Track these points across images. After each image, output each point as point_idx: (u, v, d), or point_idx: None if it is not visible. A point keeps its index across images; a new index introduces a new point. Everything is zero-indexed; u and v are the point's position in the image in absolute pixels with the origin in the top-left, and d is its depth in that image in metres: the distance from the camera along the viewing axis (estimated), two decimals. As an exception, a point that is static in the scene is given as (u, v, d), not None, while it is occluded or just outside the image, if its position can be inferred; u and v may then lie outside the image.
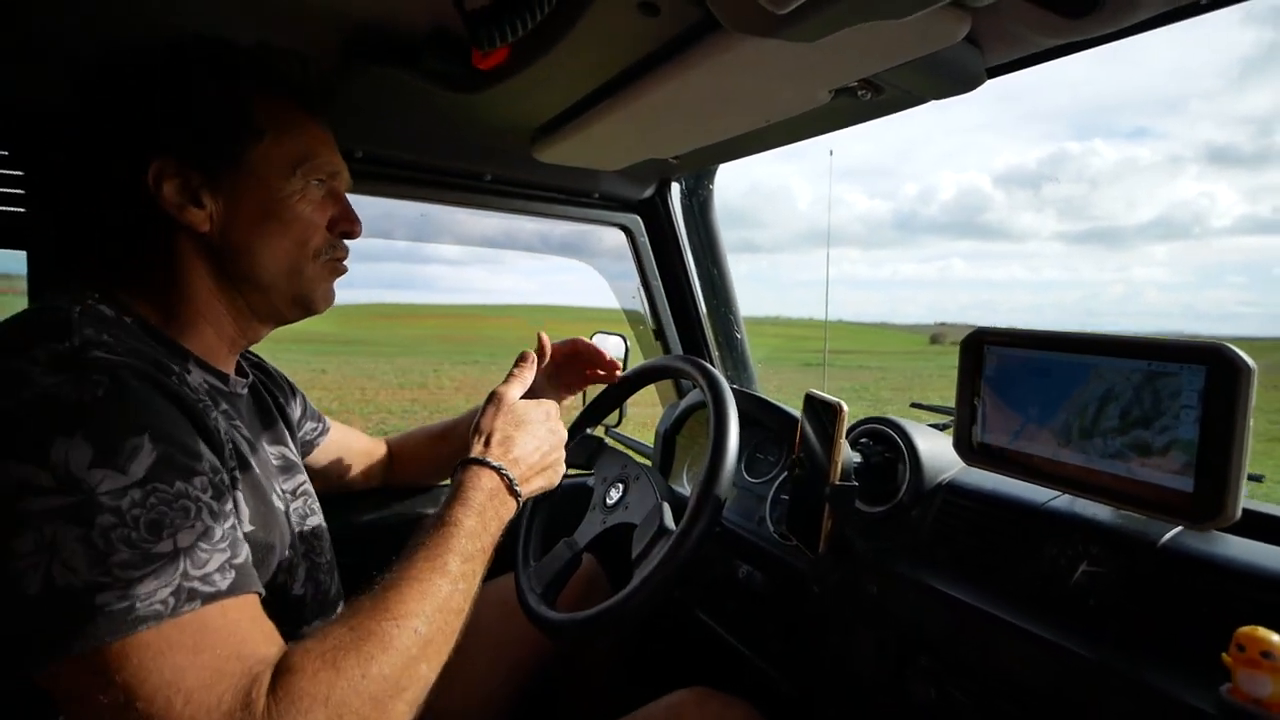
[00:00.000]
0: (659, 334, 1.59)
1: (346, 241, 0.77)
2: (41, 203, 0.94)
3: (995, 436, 0.82)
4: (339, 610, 0.78)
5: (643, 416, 1.49)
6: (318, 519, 0.81)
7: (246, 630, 0.52)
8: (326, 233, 0.74)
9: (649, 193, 1.45)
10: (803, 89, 0.79)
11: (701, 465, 0.90)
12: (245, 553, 0.56)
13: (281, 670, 0.50)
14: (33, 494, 0.47)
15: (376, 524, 1.21)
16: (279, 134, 0.69)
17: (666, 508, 0.94)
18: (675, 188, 1.48)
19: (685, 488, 1.41)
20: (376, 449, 1.17)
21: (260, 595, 0.56)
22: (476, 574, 0.65)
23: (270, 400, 0.86)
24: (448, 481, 0.78)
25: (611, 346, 1.46)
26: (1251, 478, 0.65)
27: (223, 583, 0.51)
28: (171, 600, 0.48)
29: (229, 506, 0.57)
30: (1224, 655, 0.55)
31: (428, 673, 0.57)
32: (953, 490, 0.90)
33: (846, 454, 0.86)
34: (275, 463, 0.78)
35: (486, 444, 0.77)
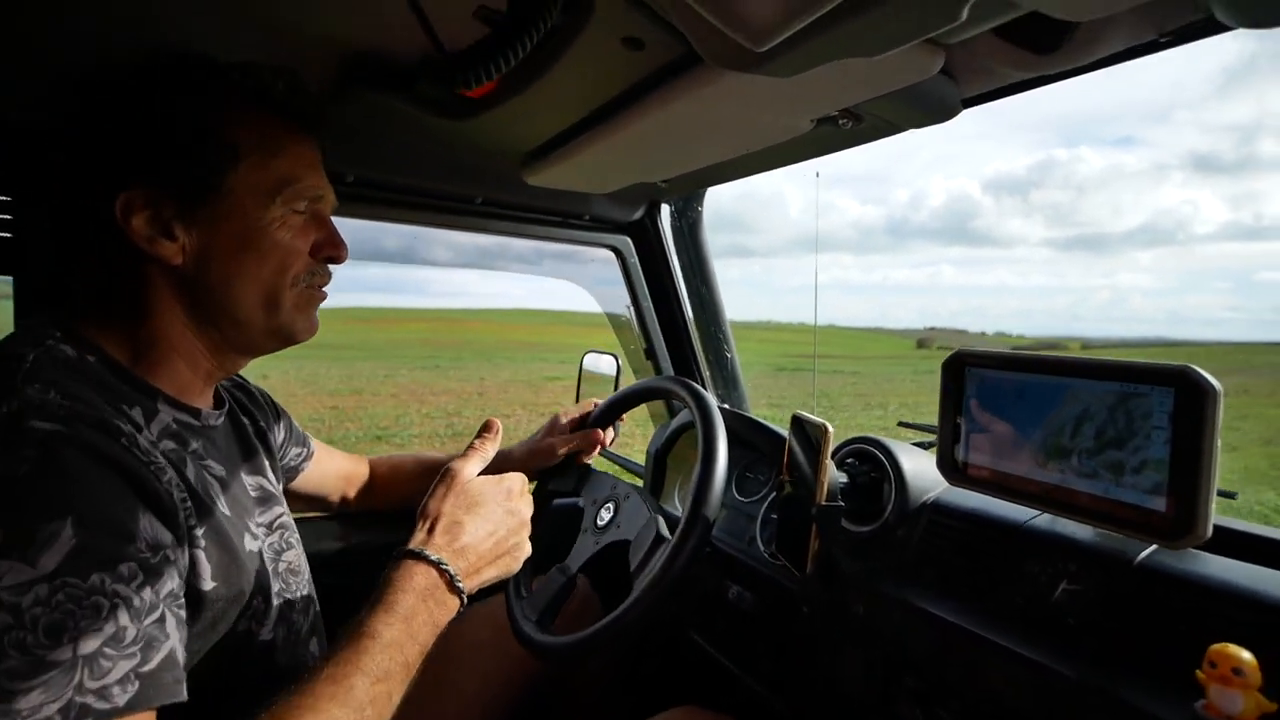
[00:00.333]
0: (650, 353, 1.60)
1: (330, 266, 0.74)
2: (30, 228, 0.92)
3: (977, 456, 0.83)
4: (311, 649, 0.75)
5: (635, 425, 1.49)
6: (294, 553, 0.77)
7: None
8: (309, 258, 0.70)
9: (639, 215, 1.47)
10: (785, 119, 0.81)
11: (691, 484, 0.91)
12: (161, 656, 0.50)
13: None
14: None
15: (362, 547, 1.20)
16: (259, 157, 0.65)
17: (660, 519, 0.94)
18: (665, 209, 1.50)
19: (677, 508, 1.41)
20: (358, 470, 1.14)
21: (163, 706, 0.50)
22: (394, 694, 0.58)
23: (250, 426, 0.82)
24: None
25: (604, 366, 1.48)
26: (1223, 494, 0.66)
27: (121, 697, 0.46)
28: (58, 718, 0.43)
29: (167, 588, 0.53)
30: (1198, 672, 0.56)
31: None
32: (937, 510, 0.91)
33: (833, 474, 0.87)
34: (252, 494, 0.74)
35: (429, 531, 0.68)
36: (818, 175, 1.53)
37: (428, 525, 0.69)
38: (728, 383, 1.62)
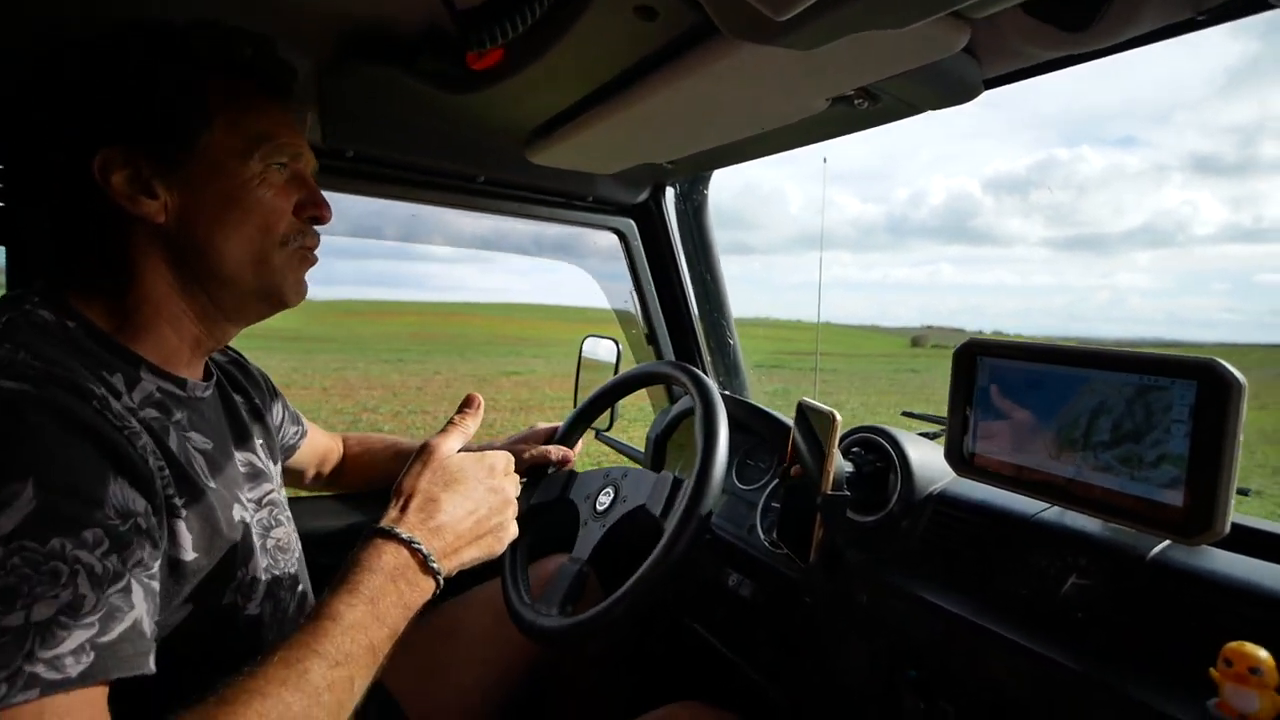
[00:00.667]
0: (651, 338, 1.59)
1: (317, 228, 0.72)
2: (21, 196, 0.91)
3: (986, 447, 0.82)
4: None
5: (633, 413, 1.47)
6: (284, 530, 0.76)
7: None
8: (293, 218, 0.69)
9: (643, 197, 1.44)
10: (800, 96, 0.79)
11: (692, 470, 0.90)
12: (123, 626, 0.49)
13: None
14: None
15: (358, 527, 1.19)
16: (234, 115, 0.65)
17: (669, 474, 0.93)
18: (670, 192, 1.48)
19: (676, 494, 1.40)
20: (334, 447, 1.13)
21: (119, 680, 0.48)
22: (356, 679, 0.54)
23: (244, 404, 0.81)
24: None
25: (603, 351, 1.46)
26: (1240, 491, 0.65)
27: (74, 668, 0.45)
28: (3, 687, 0.42)
29: (135, 557, 0.51)
30: (1211, 670, 0.55)
31: None
32: (944, 500, 0.90)
33: (839, 463, 0.86)
34: (241, 469, 0.73)
35: (402, 509, 0.65)
36: (825, 161, 1.51)
37: (401, 502, 0.65)
38: (729, 370, 1.61)
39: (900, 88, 0.75)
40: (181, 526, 0.59)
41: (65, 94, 0.63)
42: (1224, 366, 0.60)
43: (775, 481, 1.17)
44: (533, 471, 1.09)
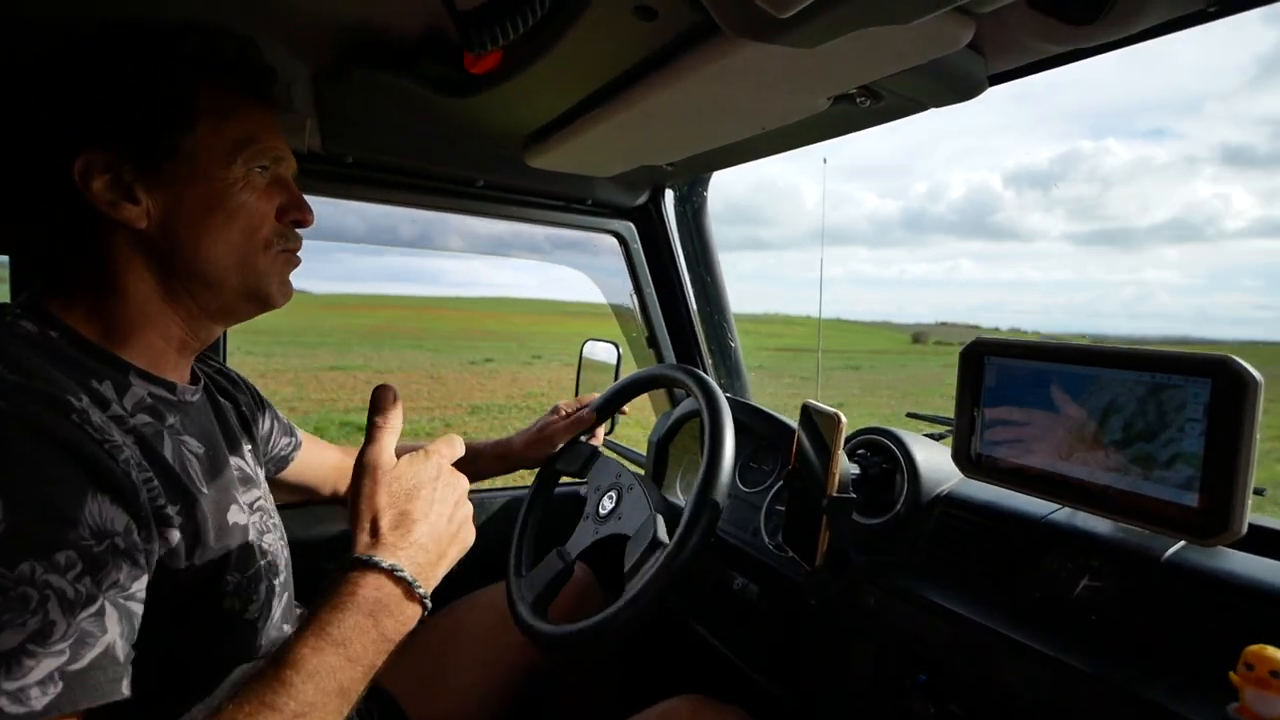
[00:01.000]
0: (651, 341, 1.58)
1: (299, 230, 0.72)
2: (14, 204, 0.90)
3: (994, 448, 0.81)
4: (285, 631, 0.74)
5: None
6: (273, 536, 0.75)
7: None
8: (275, 222, 0.69)
9: (643, 200, 1.44)
10: (801, 96, 0.78)
11: (697, 476, 0.89)
12: (94, 653, 0.47)
13: None
14: None
15: (346, 535, 1.18)
16: (215, 119, 0.64)
17: (660, 520, 0.92)
18: (669, 195, 1.47)
19: (679, 497, 1.39)
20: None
21: (91, 707, 0.47)
22: None
23: (233, 410, 0.80)
24: None
25: (602, 353, 1.45)
26: (1255, 491, 0.64)
27: (40, 700, 0.43)
28: None
29: (111, 579, 0.49)
30: (1231, 674, 0.54)
31: None
32: (951, 502, 0.89)
33: (844, 465, 0.85)
34: (234, 474, 0.72)
35: (374, 533, 0.59)
36: (825, 161, 1.50)
37: (369, 527, 0.60)
38: (730, 372, 1.60)
39: (903, 85, 0.74)
40: (175, 535, 0.58)
41: (46, 96, 0.62)
42: (1239, 363, 0.59)
43: (779, 484, 1.16)
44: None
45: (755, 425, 1.27)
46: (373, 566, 0.56)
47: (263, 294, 0.69)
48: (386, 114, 0.99)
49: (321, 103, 0.94)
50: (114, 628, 0.49)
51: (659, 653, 1.40)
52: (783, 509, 1.07)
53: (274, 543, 0.75)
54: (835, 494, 0.84)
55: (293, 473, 1.01)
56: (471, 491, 0.70)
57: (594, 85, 0.83)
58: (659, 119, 0.86)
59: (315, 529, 1.19)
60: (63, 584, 0.46)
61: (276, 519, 0.79)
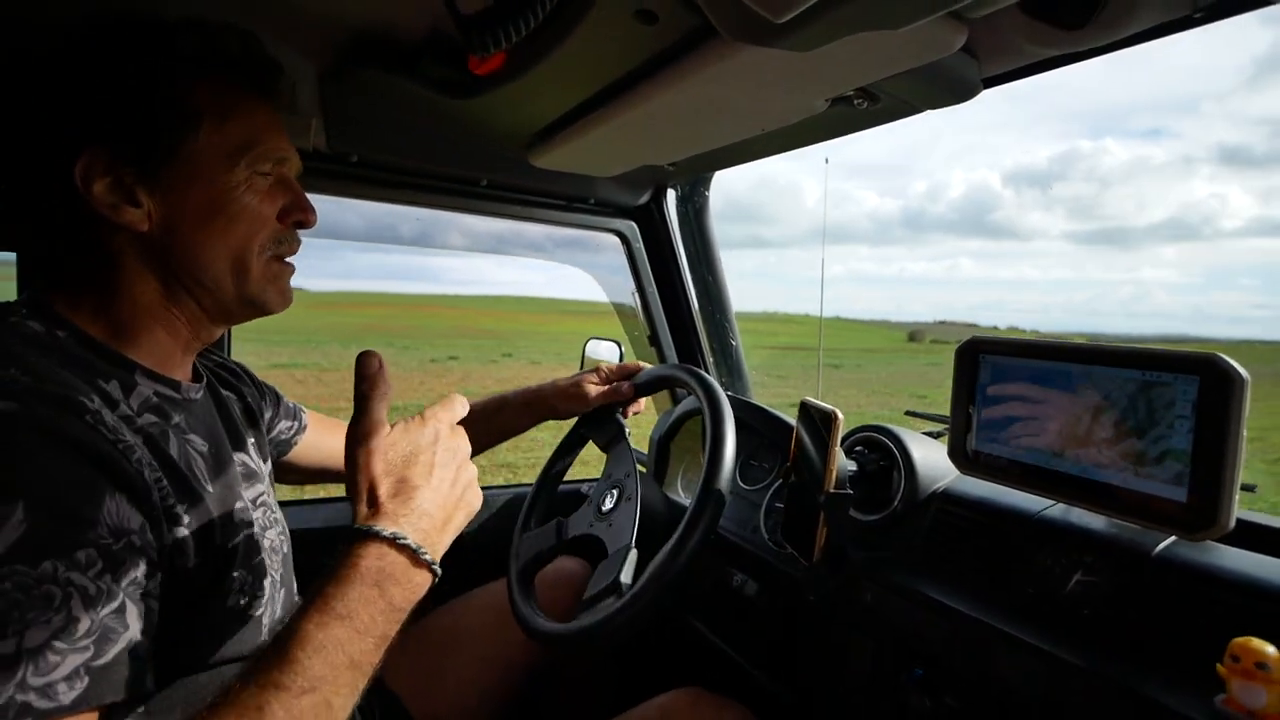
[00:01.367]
0: (654, 339, 1.59)
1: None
2: (20, 203, 0.91)
3: (989, 445, 0.82)
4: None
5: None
6: (275, 531, 0.75)
7: None
8: (277, 224, 0.68)
9: (644, 199, 1.45)
10: (799, 98, 0.79)
11: (698, 476, 0.90)
12: (117, 649, 0.48)
13: None
14: None
15: (346, 528, 1.19)
16: (218, 120, 0.63)
17: (631, 557, 0.89)
18: (671, 194, 1.48)
19: (680, 495, 1.40)
20: None
21: (116, 701, 0.47)
22: (333, 700, 0.50)
23: (237, 403, 0.80)
24: None
25: (605, 353, 1.46)
26: (1244, 488, 0.65)
27: (67, 695, 0.44)
28: None
29: (129, 576, 0.50)
30: (1219, 666, 0.55)
31: None
32: (947, 499, 0.90)
33: (842, 462, 0.86)
34: (239, 470, 0.72)
35: (373, 504, 0.57)
36: (826, 161, 1.51)
37: (367, 497, 0.57)
38: (732, 371, 1.62)
39: (899, 87, 0.75)
40: (185, 533, 0.58)
41: (46, 95, 0.61)
42: (1227, 361, 0.60)
43: (779, 481, 1.17)
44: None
45: (756, 423, 1.28)
46: (374, 536, 0.55)
47: (259, 300, 0.69)
48: (391, 114, 1.00)
49: (326, 102, 0.96)
50: (134, 624, 0.50)
51: (658, 649, 1.41)
52: (782, 506, 1.08)
53: (276, 538, 0.75)
54: (833, 490, 0.85)
55: (299, 456, 1.00)
56: None
57: (596, 87, 0.85)
58: (660, 120, 0.87)
59: (315, 523, 1.20)
60: (84, 581, 0.47)
61: (278, 513, 0.79)
